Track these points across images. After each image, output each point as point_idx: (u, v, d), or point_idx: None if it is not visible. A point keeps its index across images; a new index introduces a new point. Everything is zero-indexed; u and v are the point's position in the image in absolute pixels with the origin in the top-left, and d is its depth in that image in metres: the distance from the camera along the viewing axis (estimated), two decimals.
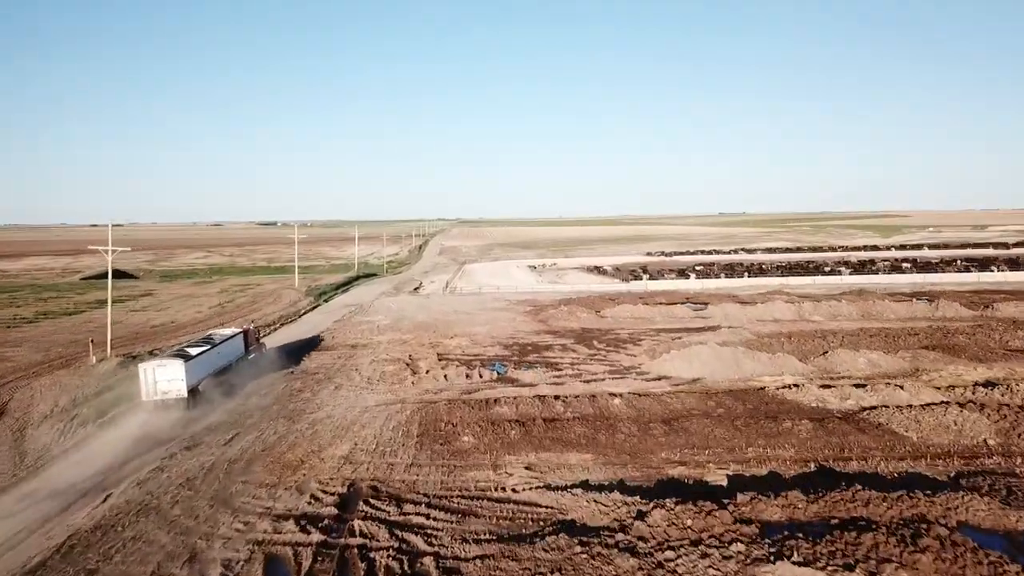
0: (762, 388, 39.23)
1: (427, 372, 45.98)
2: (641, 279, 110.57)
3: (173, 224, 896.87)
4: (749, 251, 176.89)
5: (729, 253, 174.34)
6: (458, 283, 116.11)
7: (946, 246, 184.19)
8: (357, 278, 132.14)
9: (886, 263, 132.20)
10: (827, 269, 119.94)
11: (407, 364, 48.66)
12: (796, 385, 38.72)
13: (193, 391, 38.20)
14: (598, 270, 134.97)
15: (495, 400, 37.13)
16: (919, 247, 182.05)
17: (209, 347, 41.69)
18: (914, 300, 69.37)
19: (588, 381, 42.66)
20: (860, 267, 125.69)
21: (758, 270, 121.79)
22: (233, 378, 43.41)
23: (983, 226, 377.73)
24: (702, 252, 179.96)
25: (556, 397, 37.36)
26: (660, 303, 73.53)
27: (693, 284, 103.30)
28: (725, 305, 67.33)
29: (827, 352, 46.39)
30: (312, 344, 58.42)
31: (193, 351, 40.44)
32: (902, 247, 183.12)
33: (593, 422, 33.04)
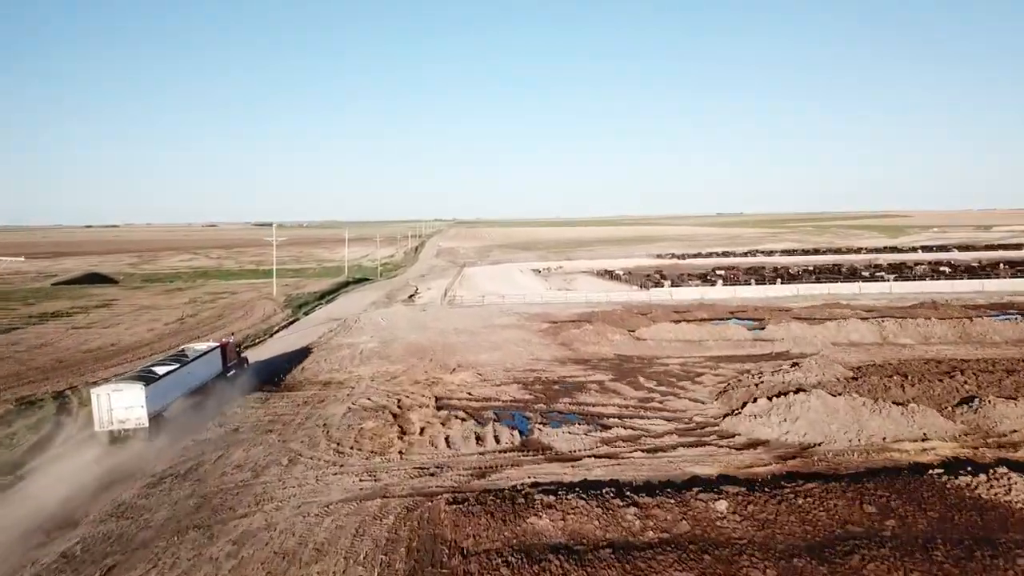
0: (924, 471, 25.82)
1: (421, 432, 32.45)
2: (662, 285, 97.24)
3: (168, 225, 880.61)
4: (767, 253, 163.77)
5: (745, 255, 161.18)
6: (458, 290, 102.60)
7: (971, 247, 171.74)
8: (347, 284, 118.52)
9: (922, 267, 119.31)
10: (865, 274, 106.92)
11: (394, 416, 35.09)
12: (983, 470, 25.25)
13: (157, 418, 32.39)
14: (610, 275, 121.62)
15: (526, 500, 23.43)
16: (945, 248, 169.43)
17: (179, 366, 35.91)
18: (1019, 320, 56.23)
19: (653, 451, 29.16)
20: (898, 271, 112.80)
21: (788, 275, 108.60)
22: (208, 400, 37.45)
23: (987, 226, 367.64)
24: (715, 254, 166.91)
25: (617, 492, 23.80)
26: (703, 319, 60.22)
27: (722, 292, 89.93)
28: (789, 324, 53.92)
29: (973, 401, 33.08)
30: (274, 378, 44.88)
31: (160, 370, 34.68)
32: (927, 248, 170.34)
33: (697, 555, 19.58)
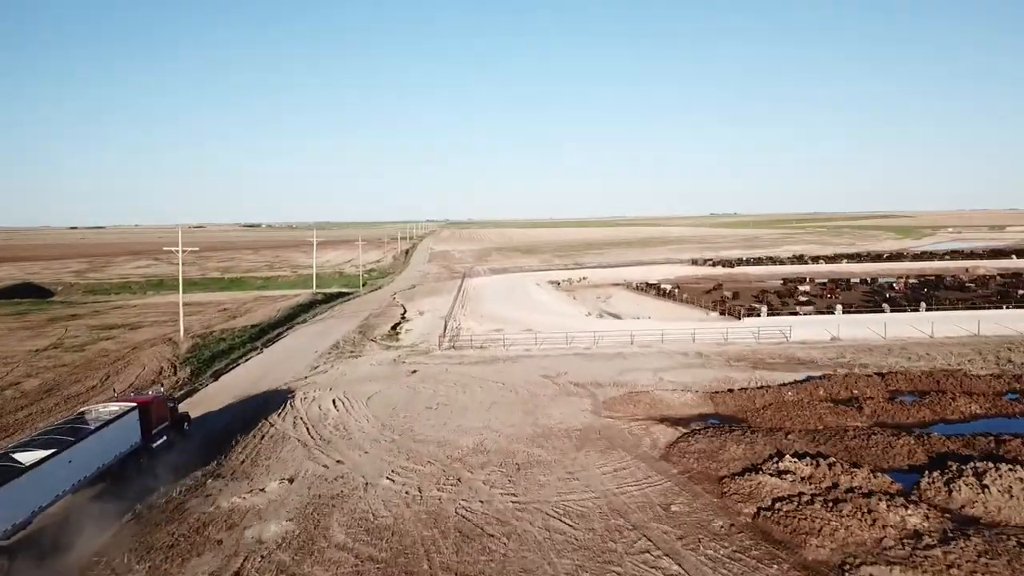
0: None
1: None
2: (757, 312, 64.15)
3: (156, 226, 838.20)
4: (829, 259, 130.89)
5: (806, 262, 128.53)
6: (463, 318, 69.08)
7: None
8: (311, 306, 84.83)
9: None
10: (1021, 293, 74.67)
11: None
12: None
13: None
14: (657, 290, 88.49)
15: None
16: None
17: (56, 451, 21.38)
18: None
19: None
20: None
21: (927, 295, 76.15)
22: (120, 489, 23.69)
23: (1001, 227, 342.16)
24: (761, 260, 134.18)
25: None
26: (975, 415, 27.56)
27: (857, 327, 56.69)
28: None
29: None
30: None
31: (26, 457, 20.69)
32: (1021, 253, 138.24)
33: None
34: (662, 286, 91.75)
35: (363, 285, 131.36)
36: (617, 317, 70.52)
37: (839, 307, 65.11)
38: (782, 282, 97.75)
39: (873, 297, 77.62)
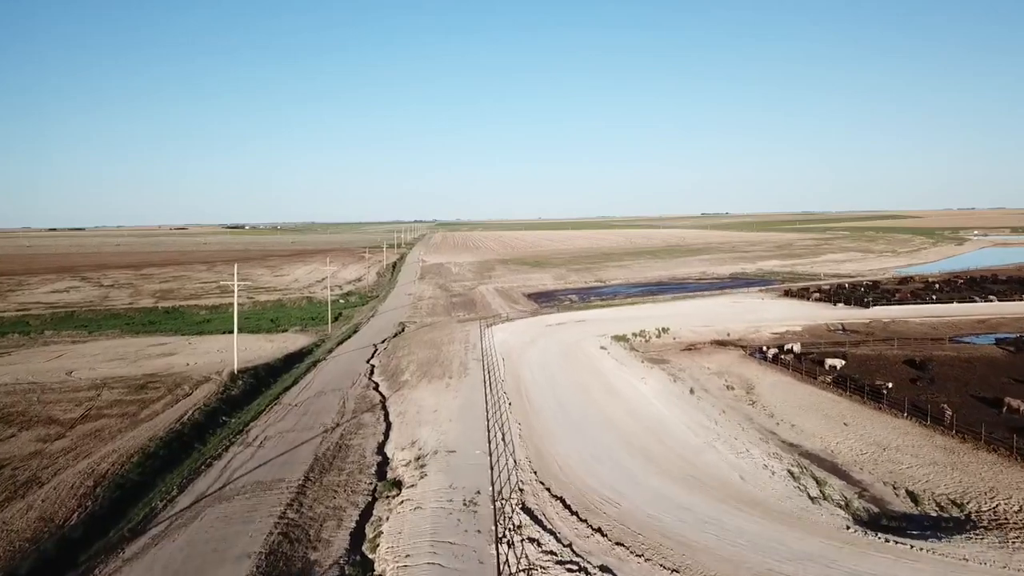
0: None
1: None
2: None
3: (139, 228, 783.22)
4: (977, 288, 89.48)
5: (941, 292, 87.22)
6: (520, 523, 26.42)
7: None
8: (211, 419, 42.03)
9: None
10: None
11: None
12: None
13: None
14: (844, 386, 46.94)
15: None
16: None
17: None
18: None
19: None
20: None
21: None
22: None
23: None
24: (902, 298, 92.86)
25: None
26: None
27: None
28: None
29: None
30: None
31: None
32: None
33: None
34: (827, 363, 50.75)
35: (334, 320, 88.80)
36: (869, 502, 28.85)
37: None
38: (995, 343, 57.75)
39: None
